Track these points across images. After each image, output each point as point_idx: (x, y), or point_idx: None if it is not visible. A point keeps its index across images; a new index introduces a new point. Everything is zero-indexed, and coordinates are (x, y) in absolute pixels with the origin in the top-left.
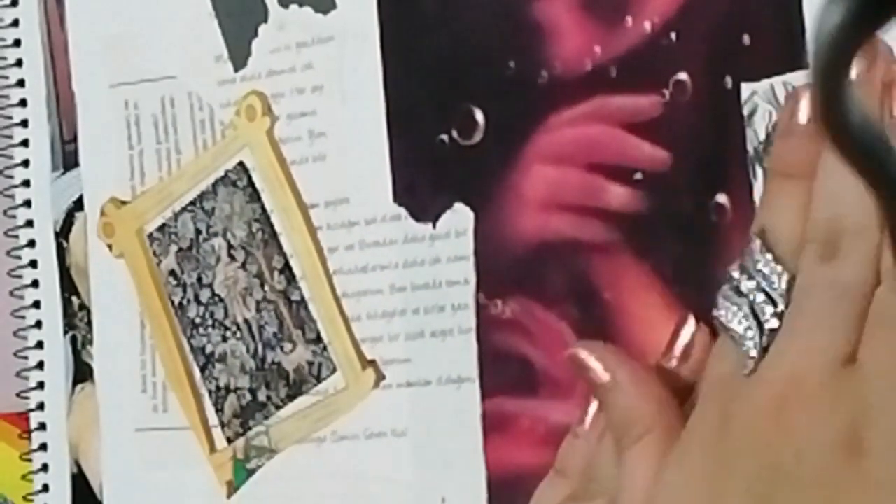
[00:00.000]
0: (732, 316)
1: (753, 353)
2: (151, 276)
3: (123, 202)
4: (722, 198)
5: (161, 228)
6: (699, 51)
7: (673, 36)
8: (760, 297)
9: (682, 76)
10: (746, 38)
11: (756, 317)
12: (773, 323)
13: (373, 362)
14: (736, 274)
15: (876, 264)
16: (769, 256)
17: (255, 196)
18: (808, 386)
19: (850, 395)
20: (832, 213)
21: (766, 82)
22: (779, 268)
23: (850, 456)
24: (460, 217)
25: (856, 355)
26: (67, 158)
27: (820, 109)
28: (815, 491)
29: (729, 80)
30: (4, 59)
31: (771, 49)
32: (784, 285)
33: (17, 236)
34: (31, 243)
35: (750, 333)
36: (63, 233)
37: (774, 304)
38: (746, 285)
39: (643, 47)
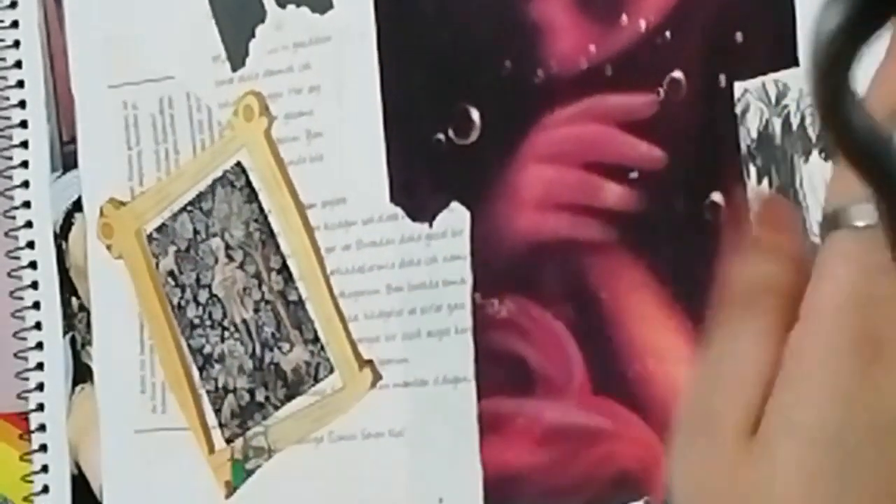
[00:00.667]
0: None
1: None
2: (150, 276)
3: (122, 203)
4: (716, 196)
5: (160, 229)
6: (693, 49)
7: (667, 34)
8: None
9: (677, 74)
10: (739, 36)
11: None
12: None
13: (370, 362)
14: None
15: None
16: None
17: (252, 196)
18: None
19: None
20: None
21: (758, 80)
22: None
23: None
24: (457, 217)
25: None
26: (66, 160)
27: (822, 111)
28: None
29: (723, 79)
30: (4, 60)
31: (764, 47)
32: None
33: (16, 237)
34: (31, 244)
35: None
36: (62, 234)
37: None
38: None
39: (638, 46)
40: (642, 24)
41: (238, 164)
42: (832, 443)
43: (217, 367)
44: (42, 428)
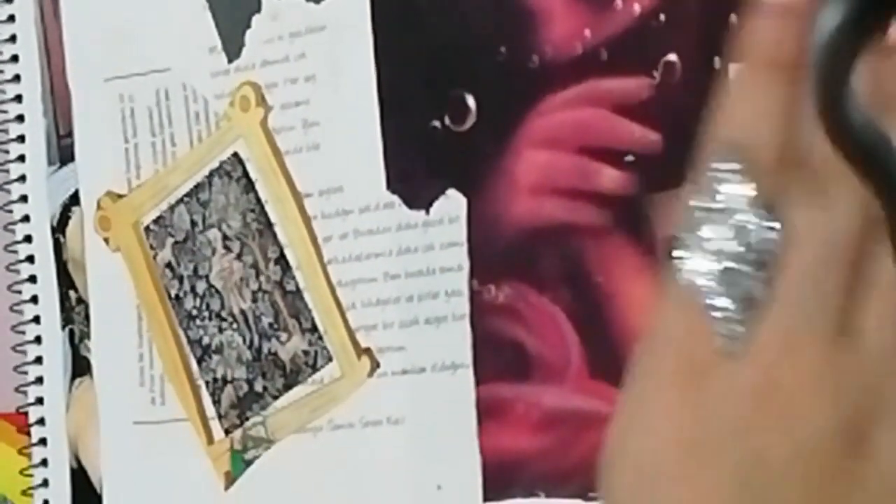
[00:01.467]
0: (706, 282)
1: (739, 329)
2: (148, 268)
3: (119, 196)
4: None
5: (157, 221)
6: (688, 32)
7: (662, 17)
8: (732, 247)
9: (672, 57)
10: (734, 18)
11: (735, 281)
12: (757, 288)
13: (368, 350)
14: (697, 209)
15: (866, 212)
16: (740, 180)
17: (249, 187)
18: (802, 363)
19: (851, 374)
20: (823, 149)
21: None
22: (751, 191)
23: (852, 452)
24: (453, 203)
25: (852, 323)
26: (63, 153)
27: (821, 111)
28: (810, 485)
29: (718, 61)
30: (1, 54)
31: None
32: (762, 219)
33: (13, 231)
34: (28, 238)
35: (732, 306)
36: (60, 227)
37: (757, 266)
38: (716, 231)
39: (632, 30)
40: (636, 7)
41: (235, 154)
42: None
43: (215, 357)
44: (41, 422)
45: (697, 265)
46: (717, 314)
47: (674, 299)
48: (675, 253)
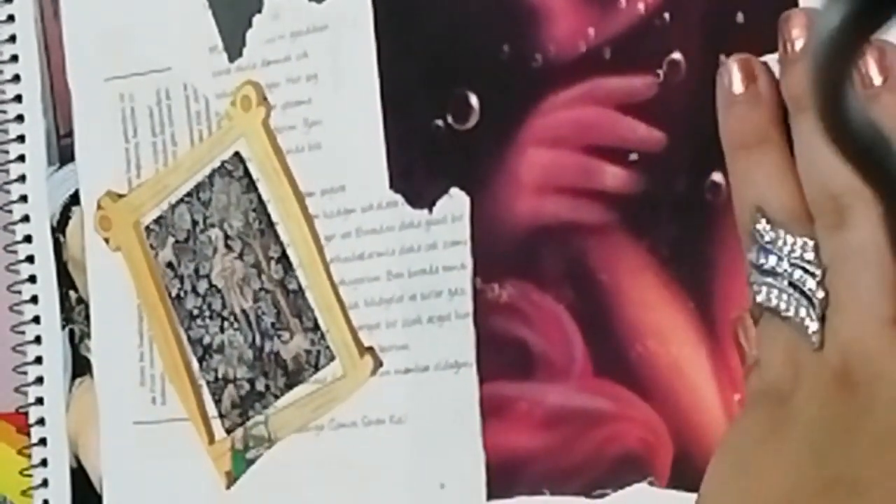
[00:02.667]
0: (777, 298)
1: (814, 326)
2: (149, 268)
3: (120, 195)
4: (717, 176)
5: (158, 221)
6: (693, 30)
7: (666, 16)
8: (798, 273)
9: (677, 56)
10: (740, 17)
11: (802, 292)
12: (820, 293)
13: (370, 349)
14: (758, 257)
15: (883, 223)
16: (781, 231)
17: (251, 186)
18: (869, 350)
19: None
20: (822, 184)
21: (759, 61)
22: (799, 240)
23: None
24: (456, 202)
25: None
26: (63, 153)
27: (821, 110)
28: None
29: (723, 59)
30: (0, 54)
31: (765, 27)
32: (812, 253)
33: (13, 232)
34: (28, 238)
35: (803, 311)
36: (60, 227)
37: (813, 275)
38: (779, 266)
39: (637, 28)
40: (641, 6)
41: (236, 154)
42: None
43: (216, 357)
44: (41, 422)
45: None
46: (798, 320)
47: None
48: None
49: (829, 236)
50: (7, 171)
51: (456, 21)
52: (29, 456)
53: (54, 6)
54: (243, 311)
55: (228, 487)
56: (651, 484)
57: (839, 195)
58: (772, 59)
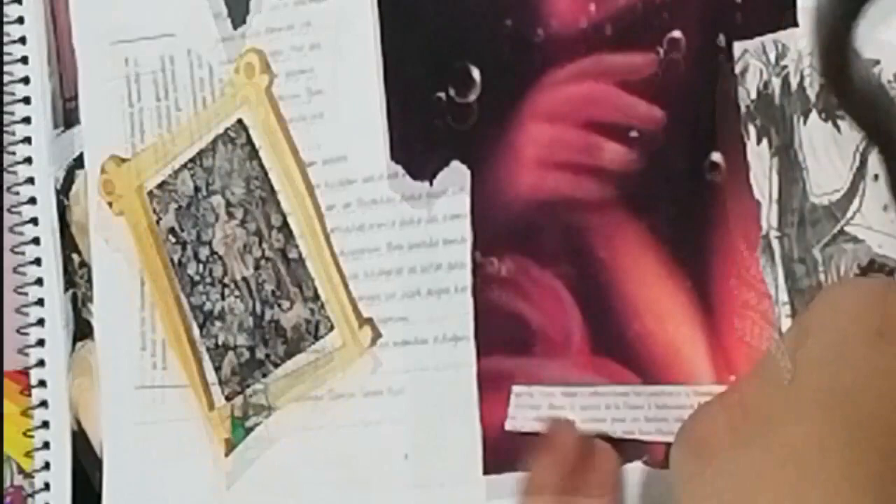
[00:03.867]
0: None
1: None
2: (151, 233)
3: (123, 160)
4: (716, 156)
5: (161, 186)
6: (693, 9)
7: None
8: None
9: (676, 34)
10: None
11: None
12: None
13: (370, 320)
14: None
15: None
16: None
17: (253, 154)
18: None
19: None
20: None
21: (757, 40)
22: None
23: None
24: (457, 175)
25: None
26: (68, 116)
27: (824, 67)
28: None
29: (722, 39)
30: (7, 15)
31: (763, 7)
32: None
33: (17, 193)
34: (32, 200)
35: None
36: (64, 190)
37: None
38: None
39: (638, 5)
40: None
41: (239, 121)
42: None
43: (217, 324)
44: (42, 384)
45: None
46: None
47: None
48: None
49: None
50: (13, 133)
51: None
52: (32, 417)
53: None
54: (244, 278)
55: (227, 454)
56: (646, 463)
57: None
58: (769, 38)
